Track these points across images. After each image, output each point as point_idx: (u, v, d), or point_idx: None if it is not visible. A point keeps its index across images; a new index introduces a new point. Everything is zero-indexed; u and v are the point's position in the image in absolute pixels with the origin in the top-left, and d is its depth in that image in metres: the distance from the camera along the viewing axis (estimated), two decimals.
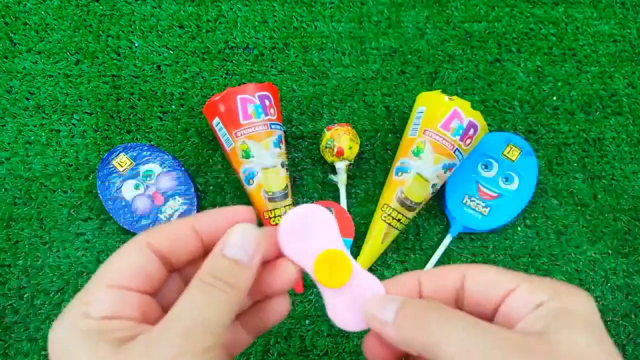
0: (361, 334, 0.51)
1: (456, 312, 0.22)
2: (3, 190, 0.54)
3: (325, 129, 0.54)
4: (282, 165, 0.51)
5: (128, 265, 0.22)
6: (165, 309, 0.23)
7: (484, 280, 0.23)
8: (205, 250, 0.25)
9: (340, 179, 0.53)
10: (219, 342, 0.21)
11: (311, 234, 0.27)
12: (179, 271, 0.26)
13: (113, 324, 0.21)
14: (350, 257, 0.29)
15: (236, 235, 0.23)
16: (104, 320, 0.21)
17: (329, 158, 0.53)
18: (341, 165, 0.53)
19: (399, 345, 0.23)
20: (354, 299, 0.29)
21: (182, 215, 0.53)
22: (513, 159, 0.55)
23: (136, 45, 0.59)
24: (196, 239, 0.24)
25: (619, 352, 0.21)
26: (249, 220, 0.25)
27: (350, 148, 0.52)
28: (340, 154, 0.51)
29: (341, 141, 0.52)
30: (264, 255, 0.24)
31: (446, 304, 0.23)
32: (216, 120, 0.51)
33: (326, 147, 0.53)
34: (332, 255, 0.29)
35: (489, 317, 0.23)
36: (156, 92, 0.58)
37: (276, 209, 0.50)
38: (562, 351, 0.19)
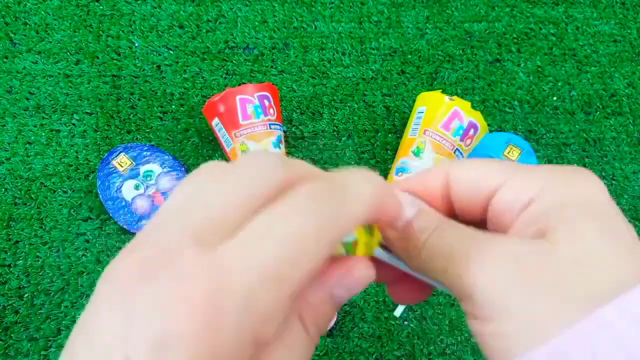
0: (359, 336, 0.51)
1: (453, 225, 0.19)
2: (3, 190, 0.54)
3: None
4: None
5: None
6: None
7: (467, 179, 0.20)
8: None
9: None
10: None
11: None
12: None
13: None
14: None
15: (359, 279, 0.19)
16: None
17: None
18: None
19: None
20: None
21: None
22: (513, 159, 0.55)
23: (136, 45, 0.59)
24: None
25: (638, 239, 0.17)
26: None
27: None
28: None
29: None
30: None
31: (433, 206, 0.21)
32: (215, 120, 0.51)
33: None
34: None
35: (480, 217, 0.21)
36: (156, 92, 0.58)
37: None
38: (563, 258, 0.16)
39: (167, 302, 0.13)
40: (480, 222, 0.21)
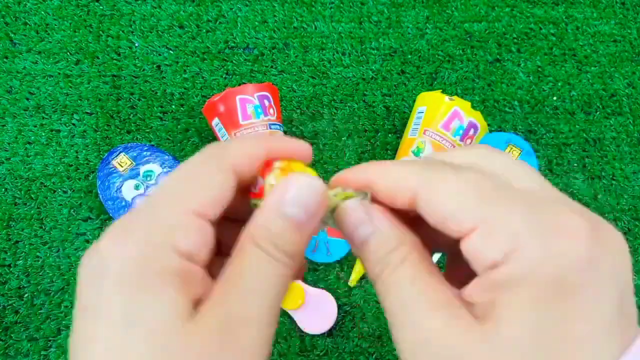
0: (359, 336, 0.51)
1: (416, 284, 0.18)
2: (3, 190, 0.54)
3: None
4: None
5: (214, 190, 0.18)
6: None
7: (438, 211, 0.17)
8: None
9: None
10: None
11: None
12: None
13: (192, 270, 0.17)
14: (303, 285, 0.48)
15: (298, 188, 0.18)
16: (186, 261, 0.17)
17: None
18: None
19: None
20: (313, 312, 0.49)
21: None
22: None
23: (136, 45, 0.59)
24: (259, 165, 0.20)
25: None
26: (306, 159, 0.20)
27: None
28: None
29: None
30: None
31: (400, 210, 0.19)
32: (215, 120, 0.51)
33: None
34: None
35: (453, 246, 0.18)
36: (156, 92, 0.58)
37: None
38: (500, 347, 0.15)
39: None
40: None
